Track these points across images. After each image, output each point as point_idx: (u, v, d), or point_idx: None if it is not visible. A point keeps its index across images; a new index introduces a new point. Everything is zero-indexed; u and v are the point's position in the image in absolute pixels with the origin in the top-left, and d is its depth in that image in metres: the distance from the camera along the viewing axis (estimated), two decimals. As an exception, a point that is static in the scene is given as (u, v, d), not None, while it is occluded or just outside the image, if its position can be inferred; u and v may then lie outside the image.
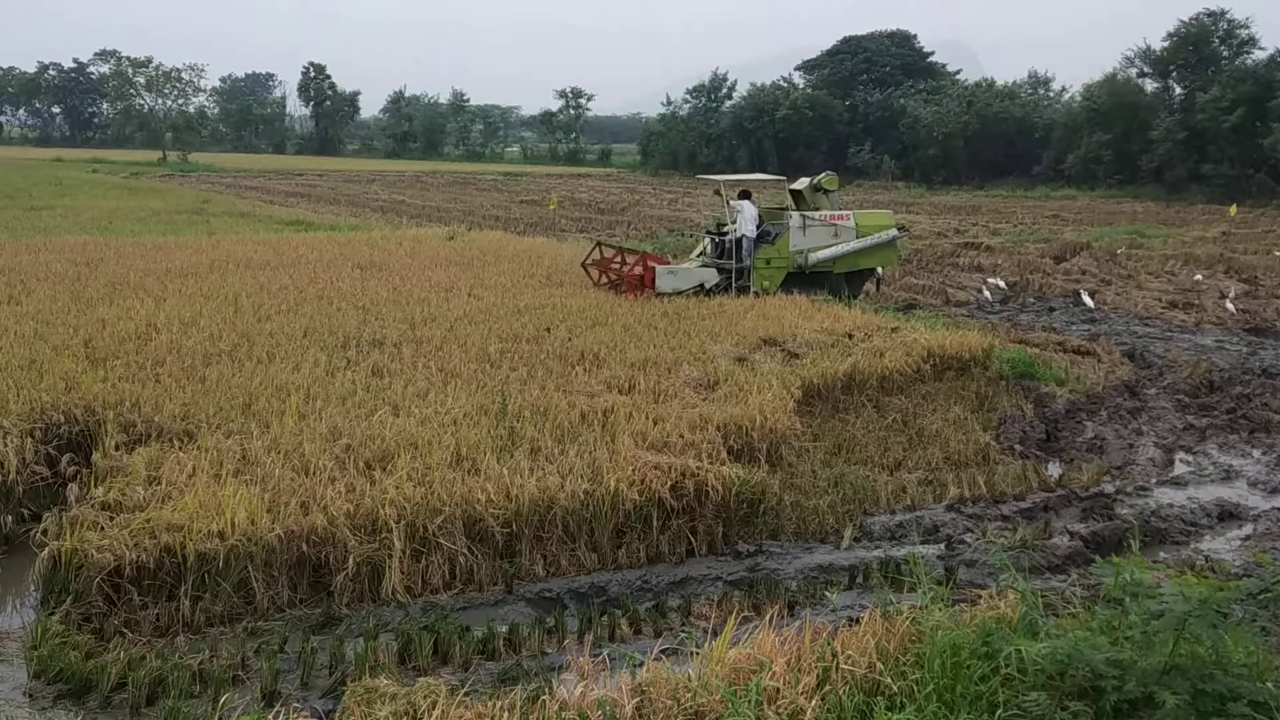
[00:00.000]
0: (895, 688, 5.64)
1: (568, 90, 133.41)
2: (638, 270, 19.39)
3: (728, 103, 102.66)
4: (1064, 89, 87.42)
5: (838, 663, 5.82)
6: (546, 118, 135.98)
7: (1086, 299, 23.85)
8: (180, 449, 9.69)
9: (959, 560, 9.53)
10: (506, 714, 5.67)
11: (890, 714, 5.36)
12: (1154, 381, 16.71)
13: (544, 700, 5.75)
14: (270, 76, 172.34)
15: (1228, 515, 11.29)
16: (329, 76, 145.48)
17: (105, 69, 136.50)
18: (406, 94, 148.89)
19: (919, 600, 6.51)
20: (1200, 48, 65.54)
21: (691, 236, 29.12)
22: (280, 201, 51.26)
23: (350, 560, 8.36)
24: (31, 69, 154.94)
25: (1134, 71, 69.49)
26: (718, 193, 20.93)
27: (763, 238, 20.71)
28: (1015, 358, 15.95)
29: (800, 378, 13.19)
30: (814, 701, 5.48)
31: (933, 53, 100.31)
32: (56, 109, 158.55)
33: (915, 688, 5.63)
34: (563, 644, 7.83)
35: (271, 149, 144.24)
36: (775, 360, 14.21)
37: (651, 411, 11.28)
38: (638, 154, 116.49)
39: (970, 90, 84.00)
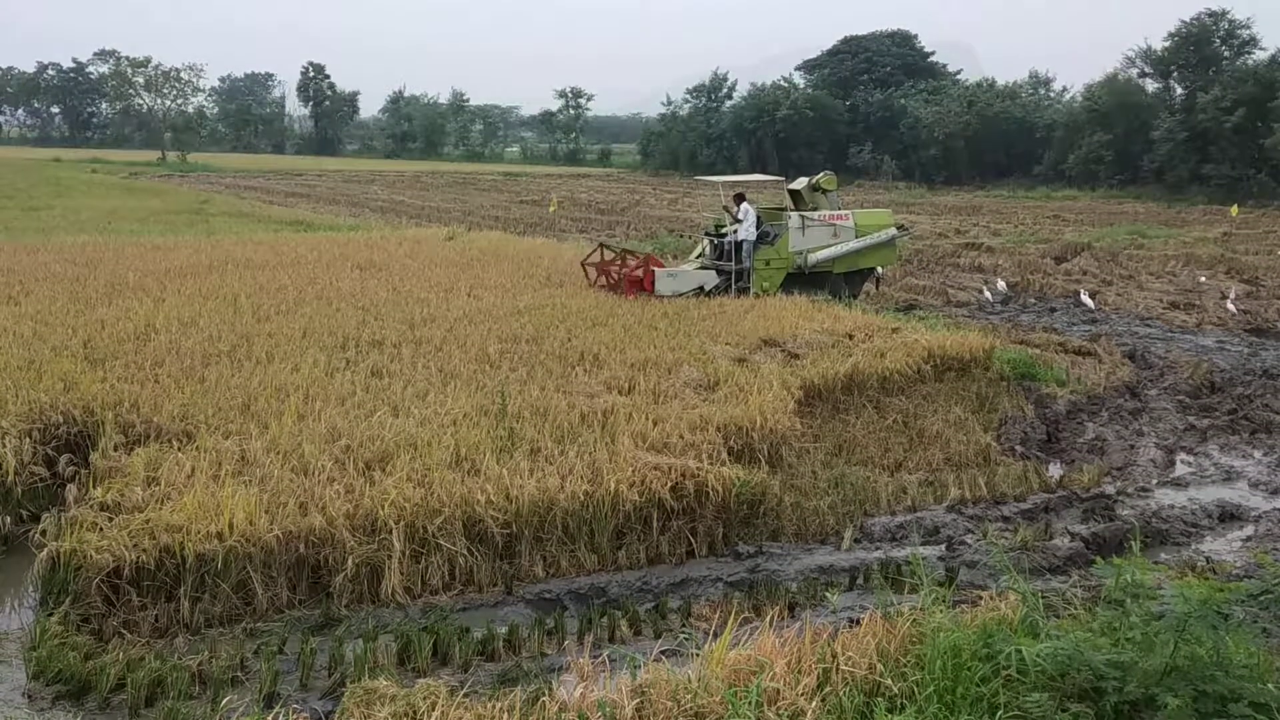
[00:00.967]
0: (896, 689, 5.63)
1: (567, 90, 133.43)
2: (638, 272, 19.37)
3: (728, 103, 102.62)
4: (1065, 89, 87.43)
5: (838, 664, 5.81)
6: (546, 118, 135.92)
7: (1086, 299, 23.84)
8: (179, 449, 9.68)
9: (960, 561, 9.52)
10: (506, 715, 5.66)
11: (891, 715, 5.35)
12: (1155, 382, 16.70)
13: (544, 701, 5.74)
14: (269, 76, 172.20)
15: (1229, 516, 11.28)
16: (328, 76, 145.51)
17: (104, 69, 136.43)
18: (406, 94, 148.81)
19: (920, 601, 6.50)
20: (1201, 48, 65.52)
21: (690, 238, 29.09)
22: (279, 202, 51.25)
23: (349, 561, 8.35)
24: (30, 69, 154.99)
25: (1135, 72, 69.60)
26: (727, 208, 20.91)
27: (762, 239, 20.68)
28: (1016, 358, 15.94)
29: (801, 378, 13.18)
30: (814, 703, 5.47)
31: (933, 53, 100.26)
32: (55, 109, 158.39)
33: (916, 689, 5.61)
34: (562, 645, 7.82)
35: (271, 149, 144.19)
36: (775, 361, 14.19)
37: (651, 412, 11.27)
38: (638, 154, 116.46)
39: (971, 90, 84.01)
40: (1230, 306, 22.98)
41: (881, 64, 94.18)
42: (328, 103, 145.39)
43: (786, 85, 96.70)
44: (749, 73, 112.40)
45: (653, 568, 9.36)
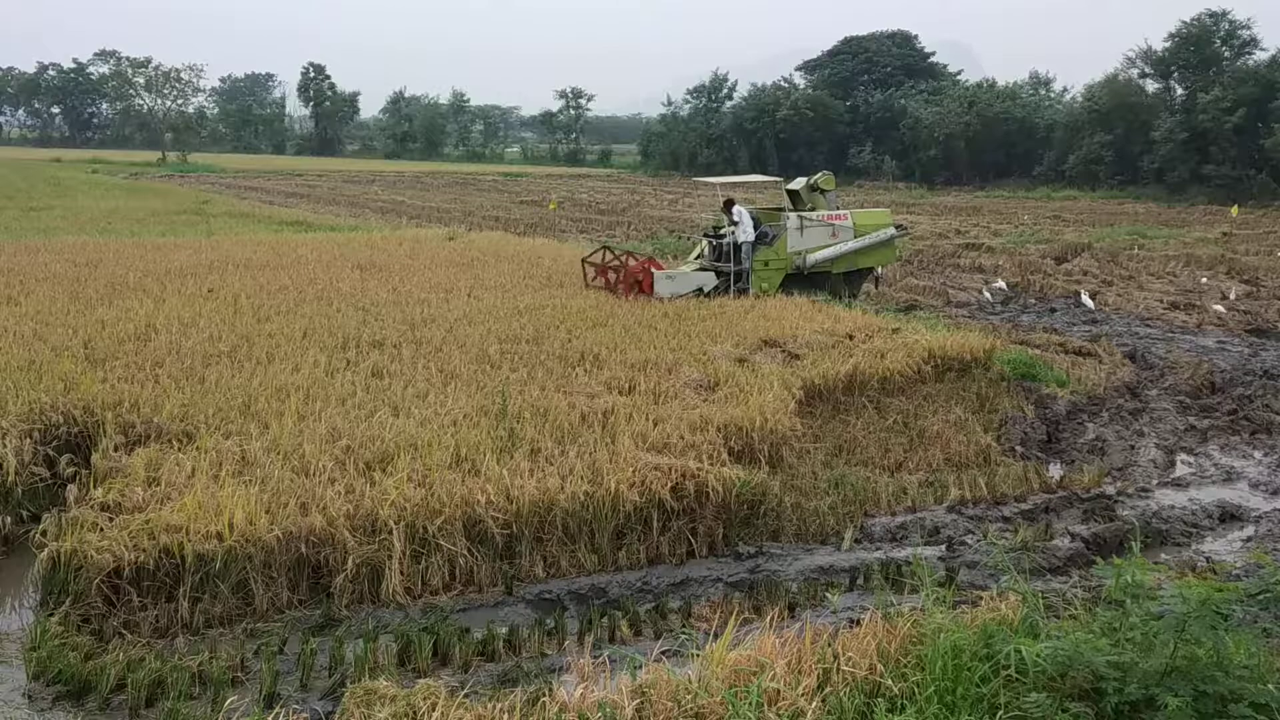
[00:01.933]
0: (896, 689, 5.63)
1: (568, 90, 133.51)
2: (638, 273, 19.36)
3: (728, 103, 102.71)
4: (1065, 89, 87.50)
5: (838, 664, 5.81)
6: (547, 118, 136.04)
7: (1086, 300, 23.84)
8: (179, 450, 9.68)
9: (960, 562, 9.51)
10: (506, 716, 5.67)
11: (891, 716, 5.35)
12: (1155, 383, 16.70)
13: (544, 702, 5.74)
14: (270, 77, 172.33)
15: (1229, 517, 11.27)
16: (329, 77, 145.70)
17: (105, 69, 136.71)
18: (406, 94, 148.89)
19: (920, 602, 6.50)
20: (1201, 48, 65.50)
21: (689, 239, 29.05)
22: (280, 202, 51.27)
23: (350, 561, 8.35)
24: (31, 69, 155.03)
25: (1135, 72, 69.56)
26: (724, 209, 20.89)
27: (760, 239, 20.64)
28: (1016, 359, 15.93)
29: (801, 379, 13.18)
30: (814, 703, 5.47)
31: (934, 53, 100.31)
32: (56, 109, 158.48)
33: (916, 689, 5.61)
34: (563, 646, 7.82)
35: (271, 149, 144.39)
36: (776, 361, 14.19)
37: (652, 412, 11.27)
38: (638, 154, 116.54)
39: (971, 91, 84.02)
40: (1218, 308, 22.94)
41: (882, 64, 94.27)
42: (328, 103, 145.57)
43: (787, 85, 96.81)
44: (749, 73, 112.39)
45: (653, 568, 9.35)
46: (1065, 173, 69.55)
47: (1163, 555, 10.04)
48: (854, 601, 8.67)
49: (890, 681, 5.67)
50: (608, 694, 5.69)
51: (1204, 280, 27.22)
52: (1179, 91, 67.26)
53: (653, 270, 19.51)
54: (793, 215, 20.84)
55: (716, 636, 6.26)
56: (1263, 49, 64.31)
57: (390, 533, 8.53)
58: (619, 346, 14.38)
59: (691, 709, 5.46)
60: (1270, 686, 5.24)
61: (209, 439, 9.90)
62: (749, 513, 9.99)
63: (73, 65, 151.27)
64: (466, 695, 6.00)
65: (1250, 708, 5.09)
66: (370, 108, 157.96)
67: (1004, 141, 76.91)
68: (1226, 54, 65.66)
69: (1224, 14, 65.64)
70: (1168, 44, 67.02)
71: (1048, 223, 44.44)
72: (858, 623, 6.58)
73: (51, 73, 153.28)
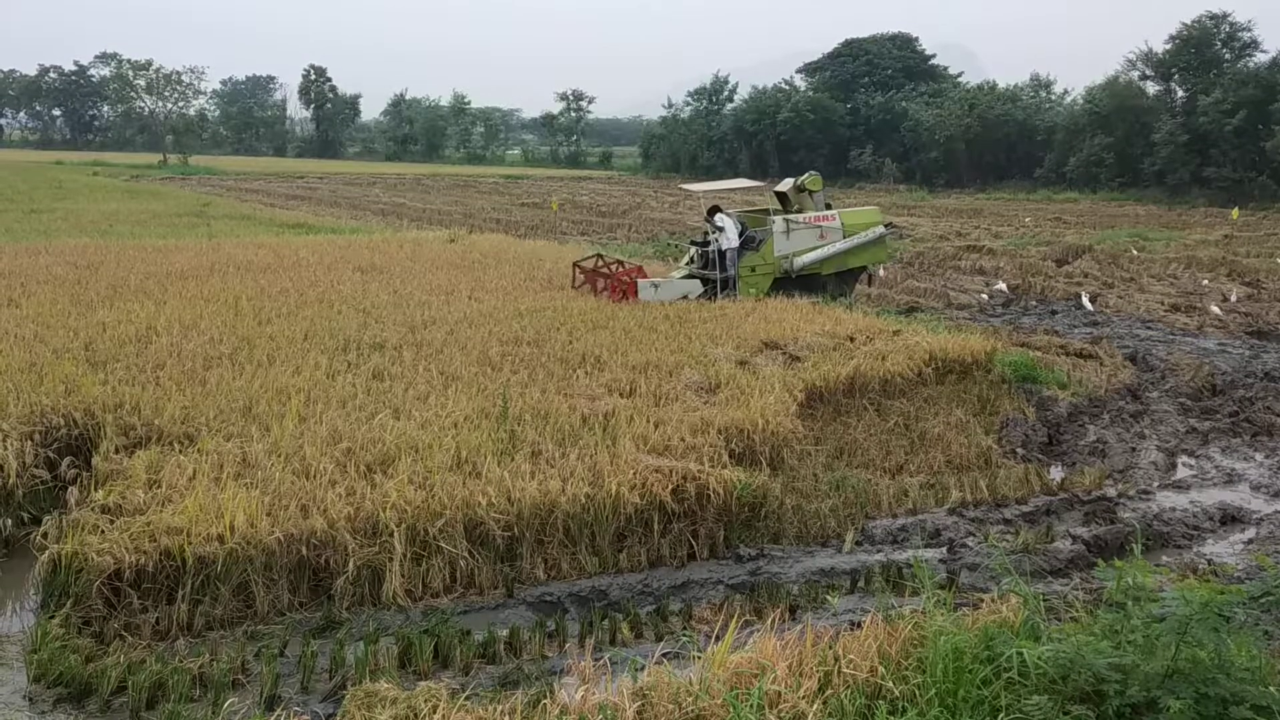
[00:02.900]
0: (897, 692, 5.63)
1: (569, 93, 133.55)
2: (622, 280, 19.34)
3: (729, 105, 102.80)
4: (1066, 92, 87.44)
5: (839, 667, 5.81)
6: (547, 120, 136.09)
7: (1086, 302, 23.84)
8: (180, 452, 9.68)
9: (961, 564, 9.51)
10: (507, 718, 5.67)
11: (892, 718, 5.35)
12: (1156, 385, 16.69)
13: (545, 704, 5.75)
14: (271, 79, 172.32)
15: (1230, 519, 11.27)
16: (330, 79, 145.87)
17: (106, 72, 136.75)
18: (407, 97, 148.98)
19: (921, 604, 6.49)
20: (1202, 50, 65.59)
21: (676, 244, 28.98)
22: (281, 204, 51.30)
23: (350, 564, 8.35)
24: (32, 71, 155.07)
25: (1136, 74, 69.58)
26: (709, 219, 20.85)
27: (746, 244, 20.54)
28: (1017, 361, 15.93)
29: (802, 381, 13.17)
30: (815, 706, 5.46)
31: (934, 55, 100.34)
32: (57, 111, 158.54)
33: (917, 692, 5.61)
34: (564, 648, 7.81)
35: (272, 151, 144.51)
36: (777, 363, 14.19)
37: (653, 415, 11.28)
38: (639, 157, 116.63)
39: (972, 93, 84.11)
40: (1216, 309, 22.93)
41: (882, 67, 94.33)
42: (329, 105, 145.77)
43: (787, 88, 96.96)
44: (750, 75, 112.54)
45: (654, 570, 9.35)
46: (1066, 175, 69.59)
47: (1164, 557, 10.04)
48: (855, 604, 8.67)
49: (891, 684, 5.66)
50: (609, 696, 5.69)
51: (1204, 282, 27.22)
52: (1180, 94, 67.32)
53: (638, 279, 19.45)
54: (778, 219, 20.76)
55: (718, 639, 6.26)
56: (1263, 51, 64.53)
57: (391, 535, 8.53)
58: (620, 349, 14.38)
59: (693, 711, 5.46)
60: (1272, 689, 5.23)
61: (210, 441, 9.89)
62: (750, 515, 9.99)
63: (74, 68, 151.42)
64: (467, 697, 6.00)
65: (1252, 710, 5.08)
66: (371, 110, 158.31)
67: (1005, 144, 76.95)
68: (1227, 56, 65.75)
69: (1225, 16, 65.74)
70: (1168, 46, 67.14)
71: (1049, 225, 44.44)
72: (859, 625, 6.58)
73: (53, 75, 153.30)
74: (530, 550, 9.08)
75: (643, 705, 5.53)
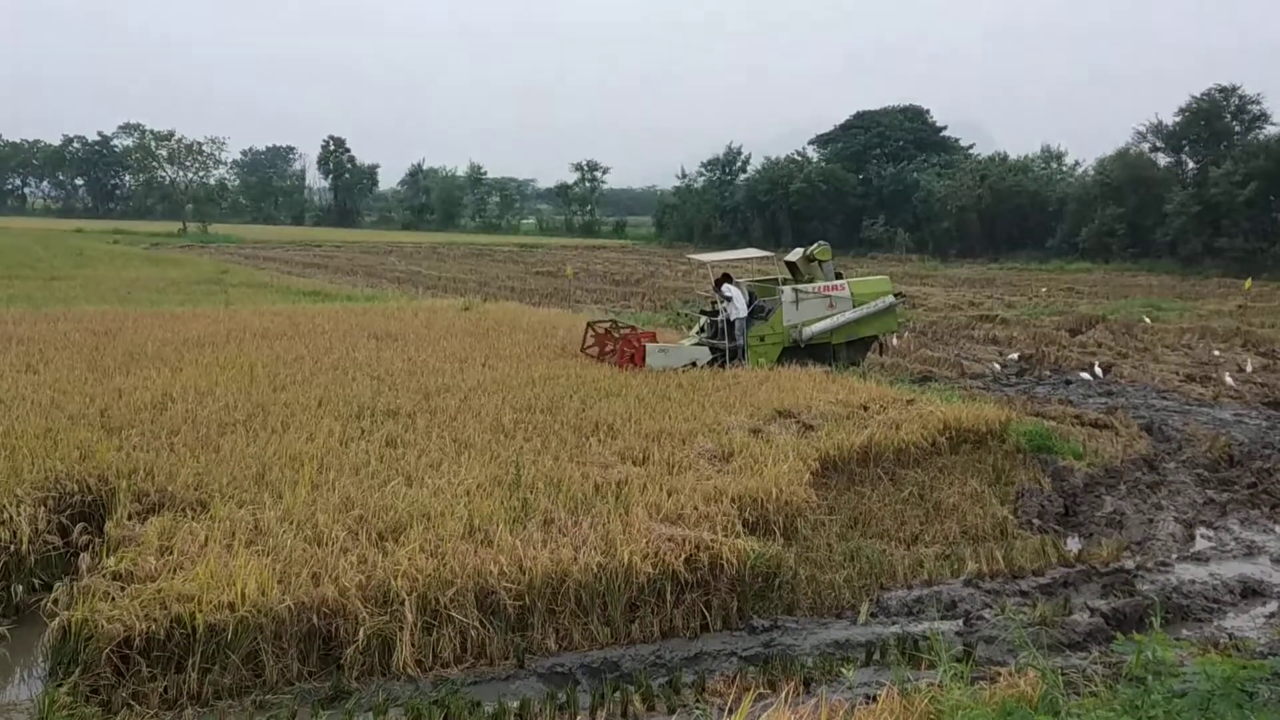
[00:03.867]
0: (914, 768, 5.53)
1: (583, 163, 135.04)
2: (632, 344, 19.41)
3: (742, 176, 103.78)
4: (1077, 163, 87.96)
5: (855, 742, 5.72)
6: (562, 190, 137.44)
7: (1086, 374, 23.72)
8: (193, 518, 9.67)
9: (977, 636, 9.39)
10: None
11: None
12: (1173, 455, 16.57)
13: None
14: (290, 149, 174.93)
15: (1251, 592, 11.11)
16: (348, 150, 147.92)
17: (128, 142, 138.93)
18: (424, 166, 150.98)
19: (938, 678, 6.40)
20: (1212, 122, 66.09)
21: (684, 313, 29.08)
22: (298, 272, 51.78)
23: (361, 633, 8.29)
24: (56, 141, 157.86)
25: (1146, 146, 70.04)
26: (718, 286, 20.96)
27: (755, 314, 20.65)
28: (1032, 431, 15.86)
29: (816, 450, 13.13)
30: (831, 782, 5.37)
31: (945, 127, 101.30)
32: (80, 180, 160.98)
33: (934, 768, 5.51)
34: (575, 720, 7.71)
35: (290, 220, 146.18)
36: (790, 432, 14.16)
37: (666, 483, 11.24)
38: (653, 226, 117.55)
39: (983, 164, 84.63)
40: (1229, 380, 22.86)
41: (894, 138, 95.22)
42: (347, 175, 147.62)
43: (800, 159, 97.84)
44: (763, 147, 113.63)
45: (666, 641, 9.26)
46: (1078, 245, 69.76)
47: (1184, 631, 9.90)
48: (870, 677, 8.54)
49: (908, 760, 5.57)
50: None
51: (1217, 353, 27.14)
52: (1190, 165, 67.73)
53: (646, 343, 19.50)
54: (787, 289, 20.85)
55: (731, 712, 6.18)
56: (1273, 123, 64.81)
57: (402, 604, 8.48)
58: (633, 417, 14.38)
59: (705, 786, 5.37)
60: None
61: (223, 508, 9.89)
62: (764, 585, 9.90)
63: (97, 138, 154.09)
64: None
65: (1277, 789, 4.98)
66: (389, 180, 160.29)
67: (1017, 214, 77.25)
68: (1237, 128, 66.20)
69: (1234, 89, 66.32)
70: (1178, 118, 67.64)
71: (1061, 295, 44.52)
72: (874, 699, 6.48)
73: (76, 145, 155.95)
74: (542, 620, 9.01)
75: (655, 780, 5.45)
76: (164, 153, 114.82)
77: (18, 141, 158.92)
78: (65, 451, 11.39)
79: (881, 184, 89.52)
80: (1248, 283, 44.91)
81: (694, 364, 19.39)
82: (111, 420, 13.14)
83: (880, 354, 23.09)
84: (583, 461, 12.07)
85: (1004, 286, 49.82)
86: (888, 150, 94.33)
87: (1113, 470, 15.44)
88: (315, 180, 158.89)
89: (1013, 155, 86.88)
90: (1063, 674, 6.68)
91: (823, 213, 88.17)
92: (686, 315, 27.13)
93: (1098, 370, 24.08)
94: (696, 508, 10.51)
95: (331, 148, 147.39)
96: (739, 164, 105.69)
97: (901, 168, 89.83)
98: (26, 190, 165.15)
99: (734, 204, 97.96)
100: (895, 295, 22.75)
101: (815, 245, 22.59)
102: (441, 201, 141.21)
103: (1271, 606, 10.81)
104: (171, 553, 8.87)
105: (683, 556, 9.48)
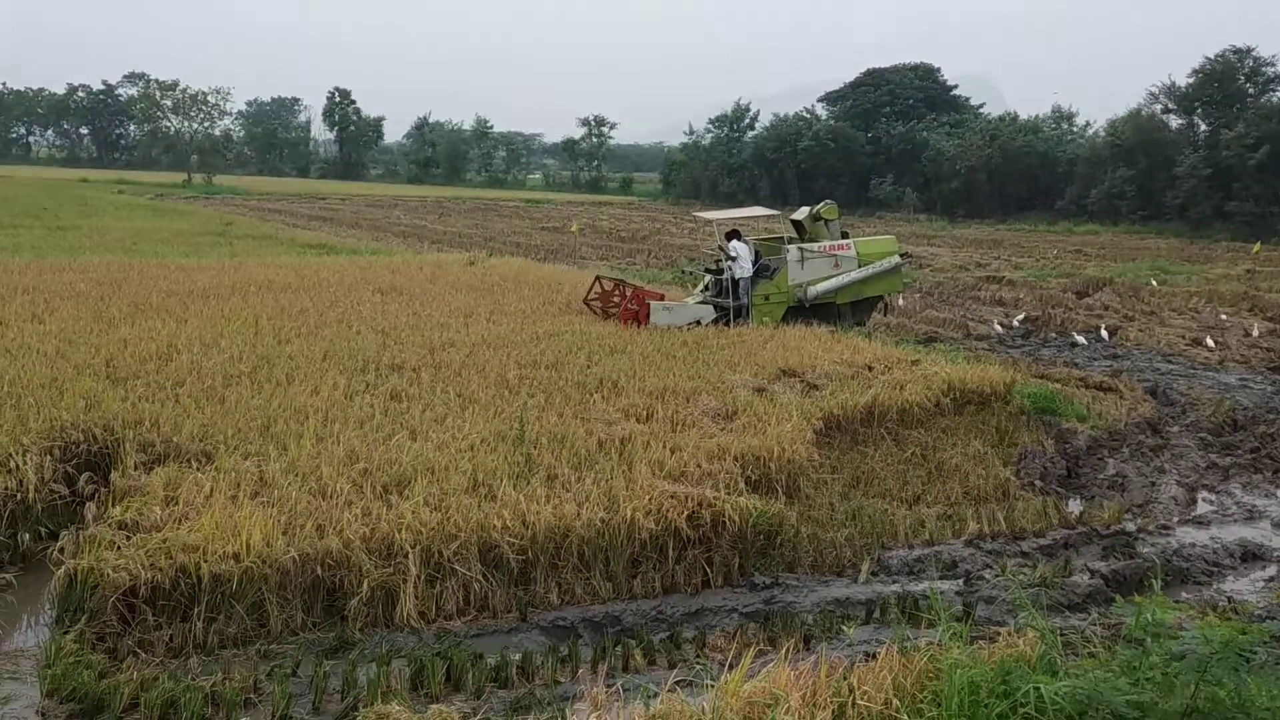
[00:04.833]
0: (912, 725, 5.57)
1: (590, 118, 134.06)
2: (633, 305, 19.37)
3: (750, 133, 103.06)
4: (1088, 124, 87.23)
5: (854, 699, 5.76)
6: (569, 145, 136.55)
7: (1079, 338, 23.65)
8: (198, 470, 9.71)
9: (977, 597, 9.44)
10: (518, 744, 5.63)
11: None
12: (1177, 419, 16.57)
13: (556, 730, 5.71)
14: (295, 101, 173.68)
15: (1251, 556, 11.15)
16: (354, 102, 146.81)
17: (133, 91, 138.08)
18: (430, 120, 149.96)
19: (937, 636, 6.44)
20: (1225, 85, 65.45)
21: (689, 271, 29.00)
22: (303, 225, 51.66)
23: (365, 585, 8.35)
24: (61, 90, 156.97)
25: (1158, 108, 69.41)
26: (721, 246, 20.84)
27: (760, 273, 20.51)
28: (1036, 393, 15.84)
29: (819, 409, 13.14)
30: (829, 738, 5.42)
31: (956, 86, 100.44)
32: (84, 130, 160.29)
33: (932, 726, 5.55)
34: (576, 674, 7.77)
35: (295, 173, 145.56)
36: (794, 391, 14.16)
37: (669, 440, 11.26)
38: (659, 183, 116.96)
39: (993, 124, 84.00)
40: (1210, 342, 22.90)
41: (904, 96, 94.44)
42: (353, 128, 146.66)
43: (808, 116, 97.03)
44: (771, 103, 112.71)
45: (668, 597, 9.32)
46: (1087, 207, 69.35)
47: (1183, 594, 9.95)
48: (870, 635, 8.60)
49: (906, 717, 5.61)
50: (621, 724, 5.66)
51: (1224, 317, 27.06)
52: (1202, 128, 67.11)
53: (650, 300, 19.44)
54: (793, 248, 20.70)
55: (731, 667, 6.22)
56: (1288, 87, 64.20)
57: (406, 557, 8.54)
58: (637, 374, 14.39)
59: (705, 740, 5.42)
60: (1293, 730, 5.16)
61: (228, 459, 9.93)
62: (765, 543, 9.95)
63: (101, 87, 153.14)
64: (479, 722, 5.97)
65: (1272, 751, 5.01)
66: (394, 133, 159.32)
67: (1026, 175, 76.74)
68: (1251, 91, 65.56)
69: (1248, 51, 65.62)
70: (1191, 80, 67.00)
71: (1069, 257, 44.33)
72: (874, 656, 6.52)
73: (81, 94, 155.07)
74: (544, 574, 9.06)
75: (655, 733, 5.50)
76: (169, 103, 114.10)
77: (22, 89, 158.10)
78: (71, 401, 11.42)
79: (890, 143, 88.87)
80: (1257, 247, 44.64)
81: (698, 322, 19.34)
82: (117, 371, 13.16)
83: (885, 314, 22.97)
84: (587, 418, 12.09)
85: (1011, 248, 49.59)
86: (897, 109, 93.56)
87: (1116, 433, 15.45)
88: (320, 132, 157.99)
89: (1023, 115, 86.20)
90: (1062, 635, 6.71)
91: (831, 171, 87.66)
92: (691, 274, 27.06)
93: (1104, 333, 24.02)
94: (700, 465, 10.54)
95: (337, 99, 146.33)
96: (747, 121, 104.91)
97: (911, 126, 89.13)
98: (31, 139, 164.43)
99: (741, 161, 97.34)
100: (901, 255, 22.63)
101: (822, 204, 22.42)
102: (447, 156, 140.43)
103: (1271, 570, 10.86)
104: (177, 503, 8.91)
105: (685, 513, 9.52)
